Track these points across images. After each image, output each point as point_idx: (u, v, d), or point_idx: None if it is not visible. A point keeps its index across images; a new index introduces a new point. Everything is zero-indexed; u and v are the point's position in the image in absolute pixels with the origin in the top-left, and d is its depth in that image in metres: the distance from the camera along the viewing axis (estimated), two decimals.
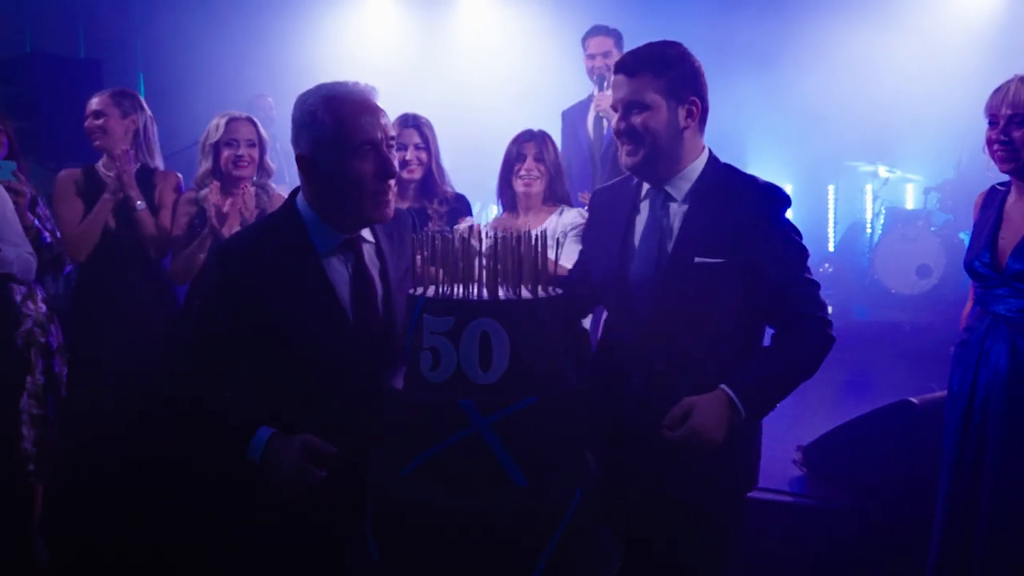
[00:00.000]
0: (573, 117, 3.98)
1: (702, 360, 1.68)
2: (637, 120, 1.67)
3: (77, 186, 3.02)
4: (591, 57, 3.90)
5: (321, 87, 1.63)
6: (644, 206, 1.78)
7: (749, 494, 1.98)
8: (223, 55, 6.48)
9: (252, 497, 1.65)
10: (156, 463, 2.87)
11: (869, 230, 6.92)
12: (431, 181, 2.92)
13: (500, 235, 1.53)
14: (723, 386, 1.58)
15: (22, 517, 2.89)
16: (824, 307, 1.71)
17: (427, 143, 2.93)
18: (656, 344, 1.70)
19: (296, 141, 1.63)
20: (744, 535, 2.79)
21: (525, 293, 1.49)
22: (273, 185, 3.09)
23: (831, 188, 7.25)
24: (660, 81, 1.65)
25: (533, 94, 6.95)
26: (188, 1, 6.63)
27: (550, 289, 1.54)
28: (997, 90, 2.09)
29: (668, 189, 1.74)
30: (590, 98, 3.82)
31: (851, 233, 7.09)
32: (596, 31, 3.95)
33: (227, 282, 1.61)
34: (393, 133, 1.67)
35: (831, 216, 7.26)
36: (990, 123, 2.09)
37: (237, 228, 2.80)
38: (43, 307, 2.97)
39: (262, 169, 3.02)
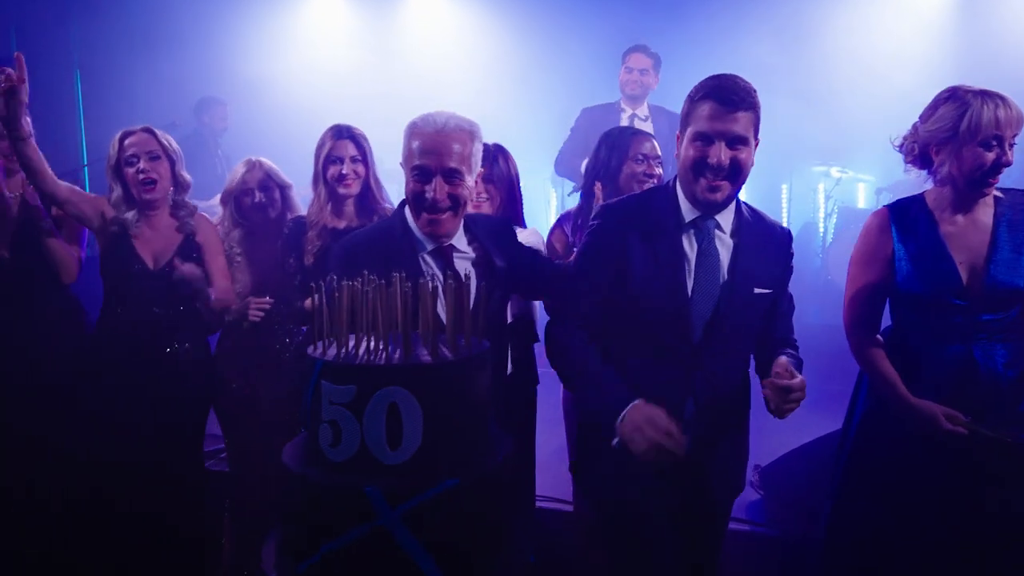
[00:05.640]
0: (596, 118, 4.08)
1: (740, 379, 1.92)
2: (742, 156, 1.69)
3: None
4: (629, 71, 4.15)
5: None
6: (691, 235, 1.78)
7: None
8: (163, 56, 6.16)
9: None
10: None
11: (822, 230, 6.93)
12: (369, 196, 2.68)
13: (420, 281, 1.31)
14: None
15: None
16: None
17: (364, 155, 2.67)
18: (706, 367, 1.80)
19: None
20: None
21: (445, 351, 1.27)
22: (192, 203, 2.80)
23: (784, 188, 7.22)
24: (755, 118, 1.72)
25: (488, 95, 6.77)
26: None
27: (477, 341, 1.33)
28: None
29: (720, 220, 1.78)
30: (617, 105, 4.16)
31: (804, 234, 7.09)
32: (638, 48, 4.21)
33: None
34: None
35: (785, 217, 7.23)
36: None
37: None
38: None
39: (176, 184, 2.71)
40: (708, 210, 1.76)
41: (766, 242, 1.83)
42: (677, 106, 1.88)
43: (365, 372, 1.19)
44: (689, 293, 1.74)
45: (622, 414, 1.56)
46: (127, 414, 2.67)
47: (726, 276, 1.76)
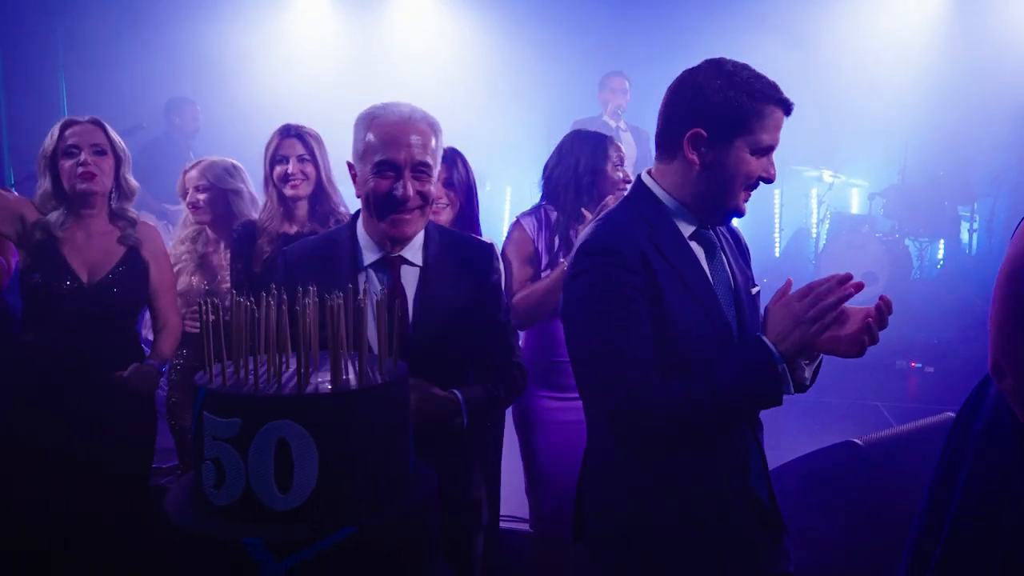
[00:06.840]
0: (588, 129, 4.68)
1: None
2: None
3: None
4: (613, 91, 5.10)
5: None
6: (698, 249, 1.50)
7: None
8: (143, 55, 6.02)
9: None
10: None
11: (814, 235, 6.80)
12: (322, 199, 2.57)
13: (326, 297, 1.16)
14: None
15: None
16: None
17: (312, 154, 2.56)
18: None
19: None
20: None
21: (351, 377, 1.12)
22: (134, 214, 2.41)
23: (777, 193, 7.05)
24: None
25: (477, 99, 6.64)
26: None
27: (391, 364, 1.18)
28: None
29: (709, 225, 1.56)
30: (600, 119, 5.04)
31: (796, 239, 6.96)
32: (615, 73, 5.19)
33: None
34: None
35: (777, 222, 7.09)
36: None
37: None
38: None
39: (119, 189, 2.33)
40: (718, 222, 1.51)
41: (734, 238, 1.63)
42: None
43: (249, 403, 1.04)
44: (727, 318, 1.45)
45: (766, 344, 1.29)
46: (57, 455, 2.22)
47: (733, 285, 1.52)
